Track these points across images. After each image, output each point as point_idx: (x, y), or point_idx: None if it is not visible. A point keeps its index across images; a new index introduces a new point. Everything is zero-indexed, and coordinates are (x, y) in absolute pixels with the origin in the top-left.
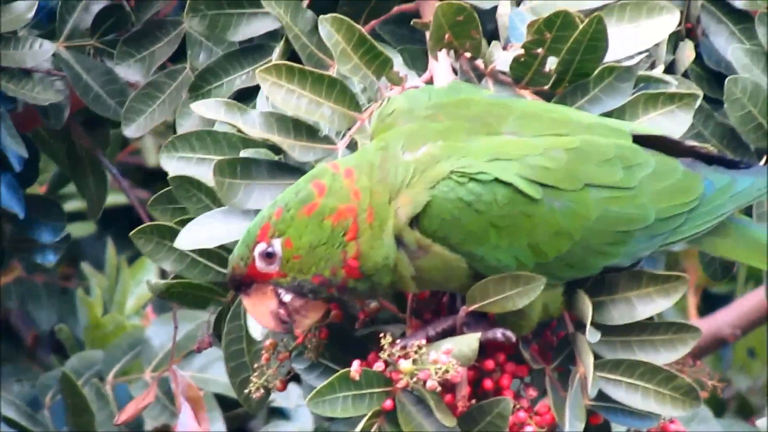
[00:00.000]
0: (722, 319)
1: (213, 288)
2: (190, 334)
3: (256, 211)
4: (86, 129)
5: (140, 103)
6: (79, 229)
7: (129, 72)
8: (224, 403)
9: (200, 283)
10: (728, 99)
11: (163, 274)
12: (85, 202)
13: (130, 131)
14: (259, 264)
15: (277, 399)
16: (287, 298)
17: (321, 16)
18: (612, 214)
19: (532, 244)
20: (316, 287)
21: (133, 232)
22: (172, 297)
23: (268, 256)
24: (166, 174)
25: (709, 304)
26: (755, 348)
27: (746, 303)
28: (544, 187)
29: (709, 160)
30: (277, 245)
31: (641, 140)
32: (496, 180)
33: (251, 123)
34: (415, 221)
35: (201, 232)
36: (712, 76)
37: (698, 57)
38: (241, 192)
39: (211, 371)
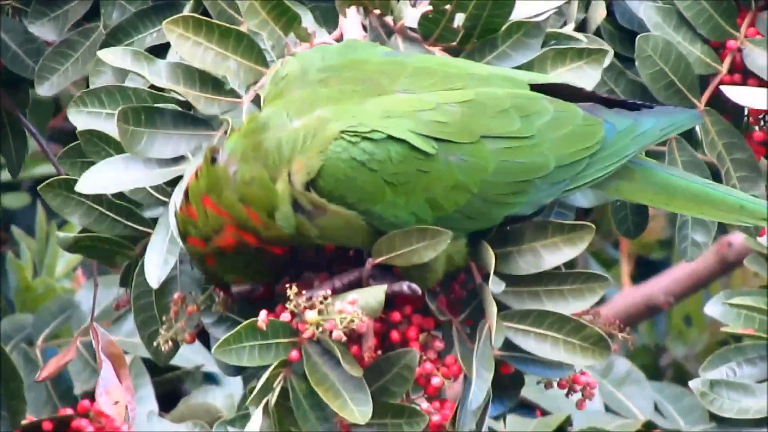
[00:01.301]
0: (656, 286)
1: (121, 242)
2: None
3: (158, 160)
4: (5, 89)
5: (53, 62)
6: (13, 200)
7: (43, 30)
8: (155, 368)
9: (108, 237)
10: (639, 56)
11: None
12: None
13: (43, 90)
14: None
15: (209, 365)
16: None
17: None
18: (510, 165)
19: (429, 199)
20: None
21: (41, 185)
22: (81, 250)
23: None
24: None
25: (646, 271)
26: (691, 315)
27: (681, 270)
28: (439, 141)
29: (610, 104)
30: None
31: (542, 89)
32: (389, 137)
33: (157, 73)
34: (310, 183)
35: (102, 177)
36: (625, 34)
37: (611, 15)
38: (144, 140)
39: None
